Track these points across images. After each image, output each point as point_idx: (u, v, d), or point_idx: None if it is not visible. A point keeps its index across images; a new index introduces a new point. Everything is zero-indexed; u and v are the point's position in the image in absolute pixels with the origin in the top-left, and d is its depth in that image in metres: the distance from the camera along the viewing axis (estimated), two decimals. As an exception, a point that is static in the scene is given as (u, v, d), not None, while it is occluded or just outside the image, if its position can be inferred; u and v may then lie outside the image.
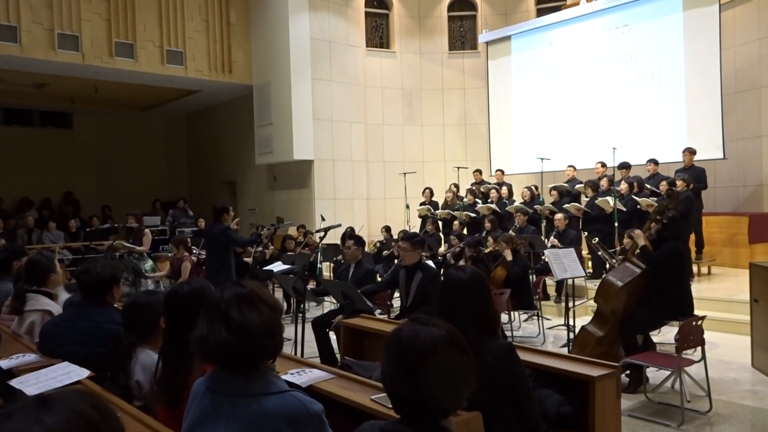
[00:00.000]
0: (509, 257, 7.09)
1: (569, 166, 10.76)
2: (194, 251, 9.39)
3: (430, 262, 7.22)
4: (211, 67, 13.44)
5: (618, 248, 7.65)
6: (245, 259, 8.75)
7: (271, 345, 1.74)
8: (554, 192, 9.98)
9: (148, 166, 17.83)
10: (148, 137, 18.01)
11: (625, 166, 9.63)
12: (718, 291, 8.05)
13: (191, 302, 2.36)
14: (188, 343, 2.30)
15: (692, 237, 8.95)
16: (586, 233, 7.34)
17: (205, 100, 15.75)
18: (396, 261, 8.16)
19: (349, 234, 7.53)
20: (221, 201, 7.30)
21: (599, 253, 7.31)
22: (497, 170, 12.20)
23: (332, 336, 5.74)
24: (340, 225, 7.03)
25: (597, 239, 6.91)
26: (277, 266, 7.66)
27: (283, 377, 1.83)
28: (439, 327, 1.51)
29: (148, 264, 9.47)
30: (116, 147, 17.24)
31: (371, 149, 14.50)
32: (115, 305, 3.23)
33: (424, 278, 5.33)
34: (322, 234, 6.27)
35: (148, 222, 12.28)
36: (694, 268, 8.80)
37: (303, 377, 2.94)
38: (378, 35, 14.94)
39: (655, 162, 9.56)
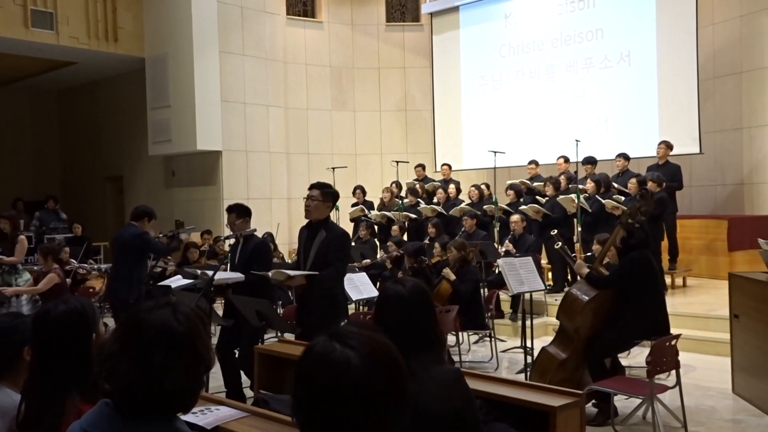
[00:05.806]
0: (452, 276, 7.14)
1: (531, 162, 11.06)
2: (74, 264, 9.14)
3: (364, 274, 7.24)
4: (90, 34, 13.03)
5: (581, 256, 7.90)
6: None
7: (184, 406, 1.72)
8: (510, 192, 10.21)
9: (7, 156, 17.07)
10: (7, 119, 17.24)
11: (590, 161, 9.98)
12: (695, 305, 8.40)
13: (67, 326, 2.30)
14: (60, 377, 2.25)
15: (664, 243, 9.34)
16: (554, 232, 7.56)
17: (84, 74, 15.29)
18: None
19: (231, 207, 6.95)
20: (144, 205, 7.49)
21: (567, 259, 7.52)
22: (443, 165, 12.37)
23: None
24: (255, 231, 6.94)
25: (560, 243, 7.13)
26: (177, 281, 7.50)
27: (183, 417, 1.79)
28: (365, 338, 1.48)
29: (23, 278, 8.92)
30: (-35, 132, 16.46)
31: (293, 139, 14.42)
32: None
33: (329, 237, 5.23)
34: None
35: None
36: (668, 279, 9.18)
37: (207, 417, 2.90)
38: (301, 1, 14.87)
39: (625, 157, 9.92)
